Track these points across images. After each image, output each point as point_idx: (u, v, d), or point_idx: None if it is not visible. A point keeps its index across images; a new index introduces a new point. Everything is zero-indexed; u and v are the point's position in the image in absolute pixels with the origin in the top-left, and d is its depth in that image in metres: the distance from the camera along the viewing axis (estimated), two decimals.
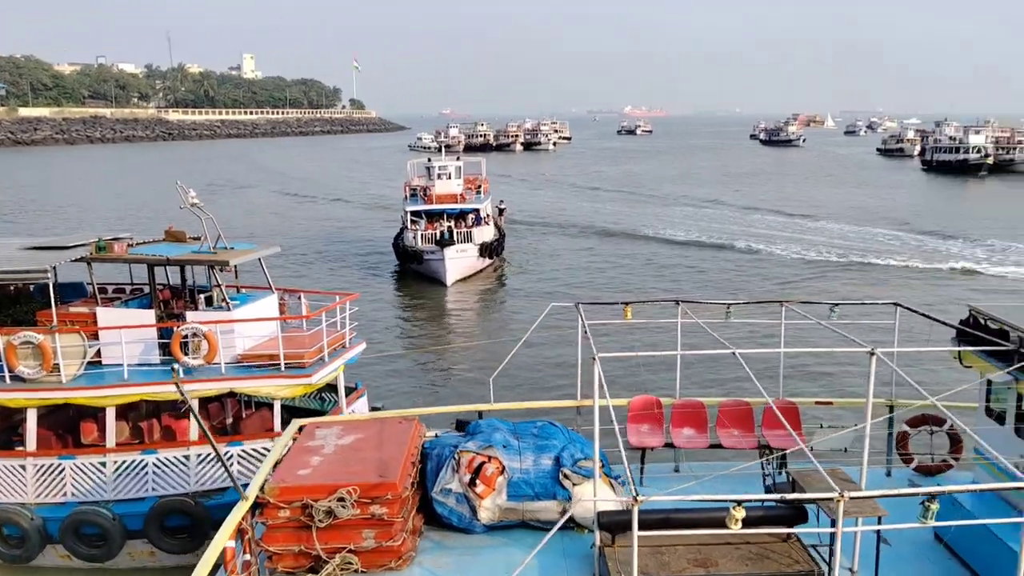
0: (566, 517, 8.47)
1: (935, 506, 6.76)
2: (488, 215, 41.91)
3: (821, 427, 11.82)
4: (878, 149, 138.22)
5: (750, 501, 7.22)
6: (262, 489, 8.29)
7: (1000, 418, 9.68)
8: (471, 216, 39.97)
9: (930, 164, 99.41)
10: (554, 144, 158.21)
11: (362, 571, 8.33)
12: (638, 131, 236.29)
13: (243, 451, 13.40)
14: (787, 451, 11.46)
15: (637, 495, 6.73)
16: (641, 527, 8.41)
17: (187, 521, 13.36)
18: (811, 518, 8.72)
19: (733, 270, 38.91)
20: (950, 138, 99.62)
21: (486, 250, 38.45)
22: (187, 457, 13.47)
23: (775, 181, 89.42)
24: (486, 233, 39.60)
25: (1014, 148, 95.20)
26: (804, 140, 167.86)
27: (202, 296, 15.34)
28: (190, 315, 14.31)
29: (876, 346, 8.70)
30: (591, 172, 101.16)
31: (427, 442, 10.20)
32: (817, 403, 12.23)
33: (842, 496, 6.81)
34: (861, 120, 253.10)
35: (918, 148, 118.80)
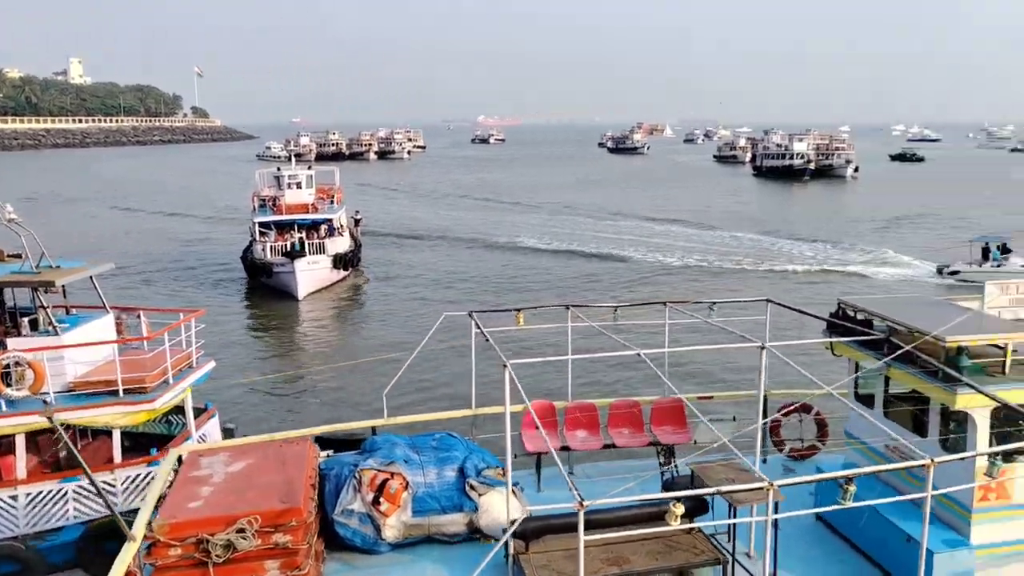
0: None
1: (853, 488, 7.01)
2: (343, 225, 40.81)
3: (703, 422, 12.23)
4: (714, 156, 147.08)
5: (688, 496, 7.33)
6: (150, 527, 7.53)
7: (868, 401, 10.38)
8: (324, 227, 38.77)
9: (760, 169, 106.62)
10: (409, 153, 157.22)
11: None
12: (491, 140, 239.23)
13: (79, 487, 12.30)
14: (675, 445, 11.83)
15: (583, 500, 6.62)
16: (554, 531, 8.36)
17: (17, 567, 12.07)
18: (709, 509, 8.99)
19: (594, 275, 40.00)
20: (777, 145, 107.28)
21: (340, 261, 37.34)
22: (14, 497, 12.18)
23: (624, 187, 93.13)
24: (340, 244, 38.53)
25: (832, 154, 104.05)
26: (648, 148, 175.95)
27: (25, 320, 13.89)
28: (11, 342, 12.95)
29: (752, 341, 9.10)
30: (447, 181, 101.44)
31: (323, 463, 9.68)
32: (699, 399, 12.66)
33: (771, 485, 6.95)
34: (699, 129, 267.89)
35: (749, 155, 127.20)
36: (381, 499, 8.93)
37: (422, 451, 9.84)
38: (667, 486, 10.03)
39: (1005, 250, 36.37)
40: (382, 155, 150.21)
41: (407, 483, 9.13)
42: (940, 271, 37.74)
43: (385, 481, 9.06)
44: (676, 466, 10.18)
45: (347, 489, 9.10)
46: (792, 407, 12.72)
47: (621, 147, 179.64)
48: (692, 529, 8.94)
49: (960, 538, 8.48)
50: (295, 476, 8.61)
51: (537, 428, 11.76)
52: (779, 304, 11.98)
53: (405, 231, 54.98)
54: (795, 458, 12.29)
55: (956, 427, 8.89)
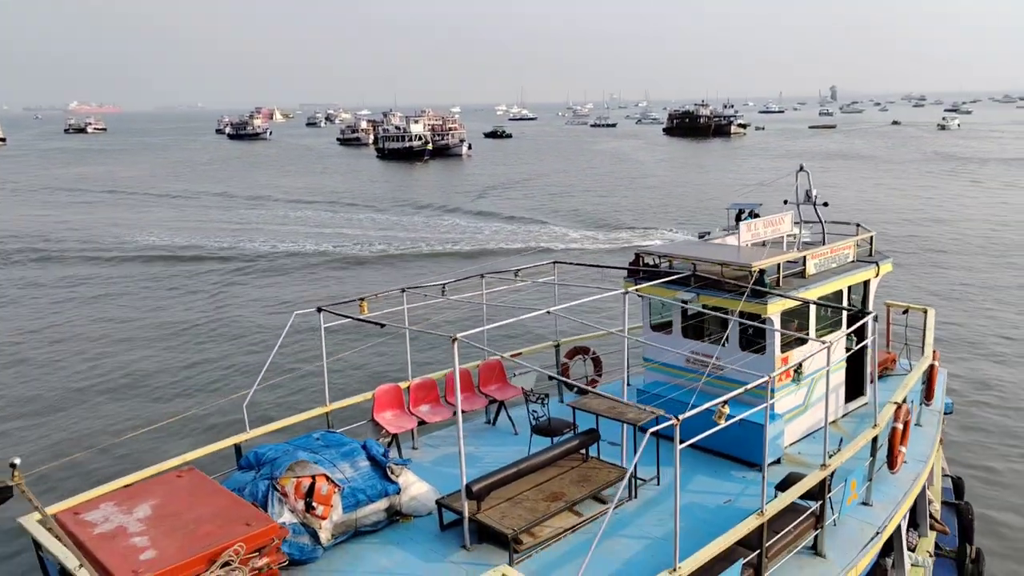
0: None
1: (726, 409, 8.33)
2: None
3: (515, 375, 13.16)
4: (338, 139, 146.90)
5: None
6: None
7: (664, 329, 12.21)
8: None
9: (383, 152, 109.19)
10: None
11: None
12: (89, 129, 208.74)
13: None
14: (508, 399, 12.59)
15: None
16: (496, 487, 8.66)
17: None
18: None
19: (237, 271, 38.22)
20: (396, 127, 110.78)
21: None
22: None
23: (256, 173, 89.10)
24: None
25: (447, 134, 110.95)
26: (271, 133, 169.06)
27: None
28: None
29: (547, 299, 10.09)
30: (41, 176, 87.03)
31: (225, 485, 8.53)
32: (512, 355, 13.51)
33: (677, 419, 7.91)
34: (320, 112, 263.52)
35: (372, 137, 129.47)
36: (313, 503, 8.25)
37: (317, 451, 9.19)
38: (540, 429, 10.72)
39: (754, 215, 43.69)
40: None
41: (333, 482, 8.53)
42: (701, 236, 43.95)
43: (312, 485, 8.36)
44: (567, 406, 10.99)
45: (271, 503, 8.20)
46: (573, 351, 14.30)
47: (242, 133, 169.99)
48: (587, 458, 9.89)
49: (772, 413, 10.65)
50: (228, 499, 7.57)
51: (386, 409, 11.70)
52: (567, 263, 13.35)
53: None
54: (581, 393, 13.86)
55: (753, 332, 11.04)
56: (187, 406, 20.00)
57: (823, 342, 10.05)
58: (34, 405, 21.27)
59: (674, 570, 6.54)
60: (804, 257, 11.80)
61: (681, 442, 7.15)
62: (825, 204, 12.84)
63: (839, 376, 11.99)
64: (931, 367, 12.75)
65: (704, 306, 11.39)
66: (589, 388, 9.04)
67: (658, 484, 9.99)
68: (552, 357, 14.15)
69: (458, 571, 8.07)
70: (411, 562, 8.23)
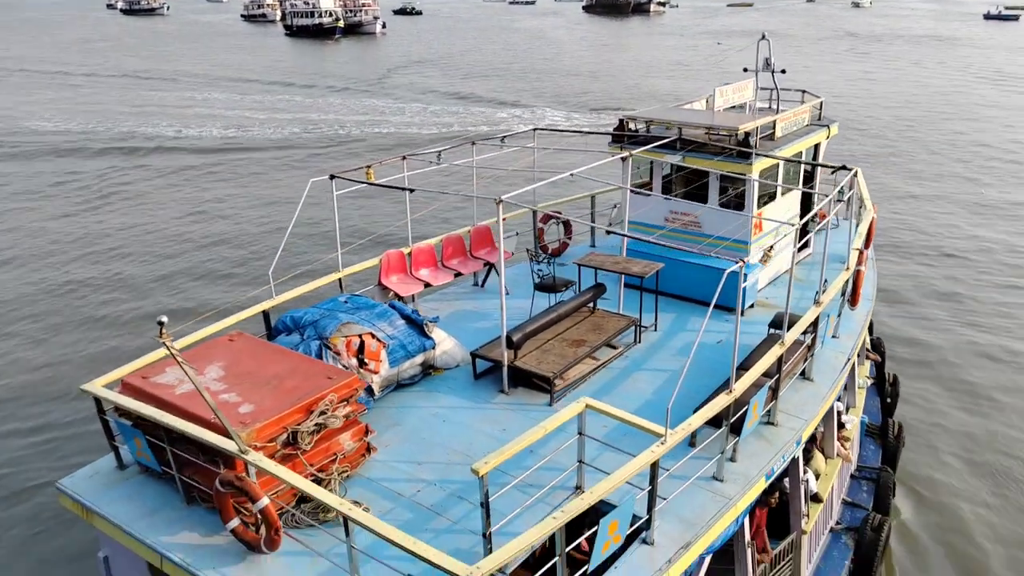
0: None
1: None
2: None
3: (517, 234, 13.69)
4: (242, 15, 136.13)
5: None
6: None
7: (645, 187, 12.76)
8: None
9: (292, 29, 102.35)
10: None
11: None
12: None
13: None
14: (498, 261, 13.03)
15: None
16: (530, 336, 9.30)
17: None
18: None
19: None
20: (305, 3, 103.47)
21: None
22: None
23: (154, 52, 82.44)
24: None
25: (359, 11, 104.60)
26: (168, 8, 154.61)
27: None
28: None
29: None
30: None
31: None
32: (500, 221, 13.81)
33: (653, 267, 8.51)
34: None
35: (279, 14, 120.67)
36: (365, 359, 8.65)
37: (353, 312, 9.49)
38: (544, 287, 11.27)
39: None
40: None
41: (378, 339, 8.91)
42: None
43: (362, 343, 8.72)
44: (555, 270, 11.51)
45: (325, 361, 8.53)
46: (546, 216, 14.77)
47: (136, 8, 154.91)
48: (594, 310, 10.61)
49: (748, 263, 11.60)
50: (295, 357, 7.88)
51: (392, 274, 12.02)
52: (546, 128, 13.60)
53: None
54: (555, 255, 14.37)
55: (732, 190, 11.77)
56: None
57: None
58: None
59: (730, 391, 7.36)
60: (774, 121, 12.47)
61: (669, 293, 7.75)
62: (783, 71, 13.48)
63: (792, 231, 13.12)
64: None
65: (695, 169, 11.97)
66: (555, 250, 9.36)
67: (655, 330, 10.85)
68: (529, 222, 14.60)
69: (503, 410, 8.76)
70: (458, 405, 8.85)
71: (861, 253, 11.27)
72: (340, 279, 11.20)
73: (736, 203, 11.83)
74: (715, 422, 7.37)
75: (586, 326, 10.13)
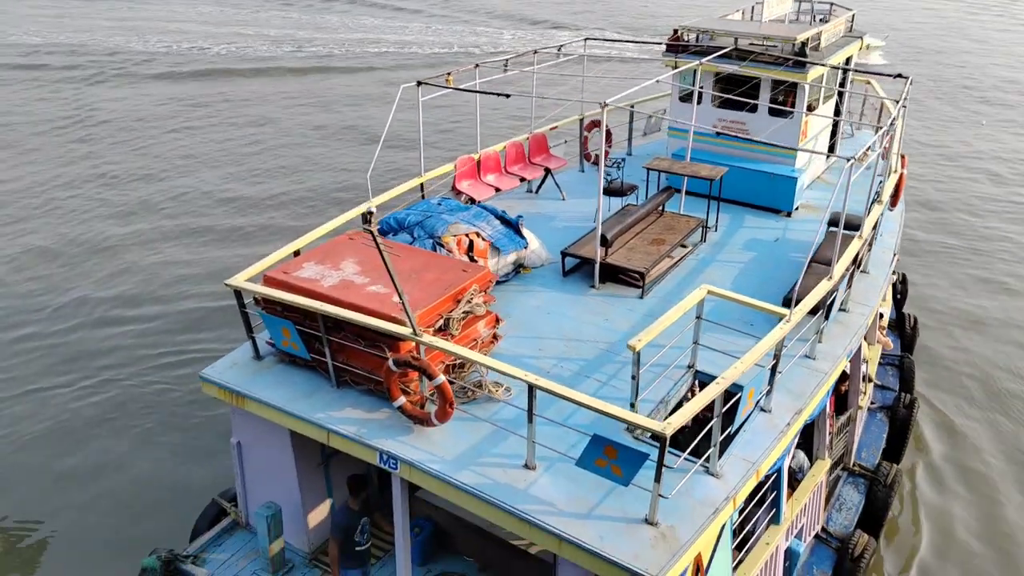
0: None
1: None
2: None
3: (566, 142, 14.00)
4: None
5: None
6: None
7: (692, 97, 13.06)
8: None
9: None
10: None
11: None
12: None
13: None
14: (555, 168, 13.38)
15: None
16: (619, 235, 9.88)
17: None
18: None
19: None
20: None
21: None
22: None
23: None
24: None
25: None
26: None
27: None
28: None
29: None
30: None
31: None
32: (551, 129, 14.07)
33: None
34: None
35: None
36: (474, 256, 9.15)
37: (453, 212, 9.91)
38: (612, 191, 11.74)
39: None
40: None
41: (483, 238, 9.40)
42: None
43: (471, 242, 9.21)
44: (622, 174, 11.97)
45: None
46: (591, 123, 15.03)
47: None
48: (662, 213, 11.18)
49: (796, 167, 12.18)
50: (422, 253, 8.37)
51: (464, 179, 12.38)
52: (599, 39, 13.74)
53: None
54: (593, 162, 14.67)
55: (782, 100, 12.20)
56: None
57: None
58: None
59: (830, 278, 8.07)
60: (820, 32, 12.78)
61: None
62: None
63: (825, 138, 13.71)
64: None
65: (744, 77, 12.29)
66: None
67: (715, 231, 11.48)
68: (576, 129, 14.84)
69: (599, 302, 9.41)
70: (555, 298, 9.45)
71: (903, 157, 11.90)
72: (422, 183, 11.54)
73: (780, 111, 12.28)
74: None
75: (659, 226, 10.71)
